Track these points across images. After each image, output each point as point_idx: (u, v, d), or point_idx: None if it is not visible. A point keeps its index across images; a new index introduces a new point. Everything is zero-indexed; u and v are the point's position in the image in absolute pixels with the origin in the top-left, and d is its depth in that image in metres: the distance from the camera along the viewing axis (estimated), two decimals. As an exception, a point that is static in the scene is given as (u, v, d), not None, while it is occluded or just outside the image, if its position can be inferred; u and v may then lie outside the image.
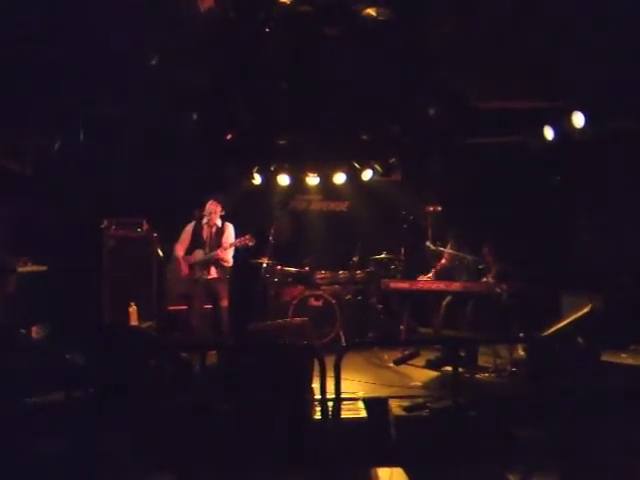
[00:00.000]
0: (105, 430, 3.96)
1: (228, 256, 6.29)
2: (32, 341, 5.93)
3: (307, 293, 7.39)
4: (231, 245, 6.24)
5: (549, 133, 6.82)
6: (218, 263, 6.27)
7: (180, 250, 6.40)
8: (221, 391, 4.49)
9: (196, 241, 6.35)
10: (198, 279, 6.26)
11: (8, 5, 4.65)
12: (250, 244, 6.23)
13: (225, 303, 6.33)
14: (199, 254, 6.28)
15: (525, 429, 4.23)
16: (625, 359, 5.87)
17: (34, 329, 6.39)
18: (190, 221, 6.54)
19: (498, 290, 5.77)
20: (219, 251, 6.20)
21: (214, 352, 5.25)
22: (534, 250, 7.20)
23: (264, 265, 7.32)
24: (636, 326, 5.91)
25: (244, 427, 4.07)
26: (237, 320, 6.47)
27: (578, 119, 6.35)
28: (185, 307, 6.66)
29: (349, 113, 6.53)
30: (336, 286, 7.69)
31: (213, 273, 6.30)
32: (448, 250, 6.49)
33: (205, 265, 6.26)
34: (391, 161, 7.86)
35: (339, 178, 8.34)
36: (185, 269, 6.31)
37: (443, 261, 6.56)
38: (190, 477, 3.95)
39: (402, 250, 7.36)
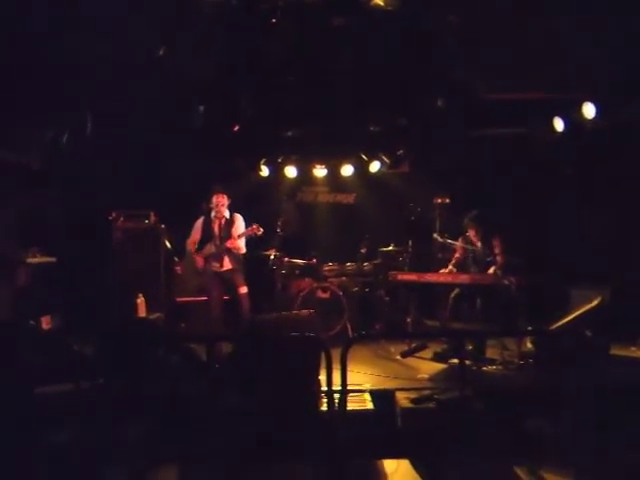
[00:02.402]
0: (112, 421, 3.99)
1: (240, 244, 6.25)
2: (41, 332, 5.97)
3: (314, 285, 7.38)
4: (240, 236, 6.22)
5: (559, 124, 6.75)
6: (231, 253, 6.25)
7: (192, 245, 6.38)
8: (227, 383, 4.51)
9: (207, 235, 6.31)
10: (212, 272, 6.25)
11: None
12: (258, 233, 6.20)
13: (244, 290, 6.25)
14: (211, 247, 6.27)
15: (533, 422, 4.22)
16: (634, 352, 5.83)
17: (44, 320, 6.44)
18: (197, 213, 6.53)
19: (506, 283, 5.73)
20: (229, 242, 6.18)
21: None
22: (543, 242, 7.15)
23: (271, 257, 7.33)
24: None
25: (250, 419, 4.08)
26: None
27: (589, 110, 6.28)
28: (202, 299, 6.66)
29: (356, 105, 6.50)
30: (343, 278, 7.68)
31: (227, 264, 6.26)
32: (457, 243, 6.44)
33: (218, 257, 6.25)
34: (399, 153, 7.84)
35: (347, 170, 8.32)
36: (199, 263, 6.30)
37: (457, 254, 6.51)
38: (194, 469, 3.97)
39: (410, 242, 7.33)
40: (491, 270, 6.09)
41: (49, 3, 4.70)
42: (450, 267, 6.42)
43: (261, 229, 6.18)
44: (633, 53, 5.39)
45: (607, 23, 5.10)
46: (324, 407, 4.24)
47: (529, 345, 5.69)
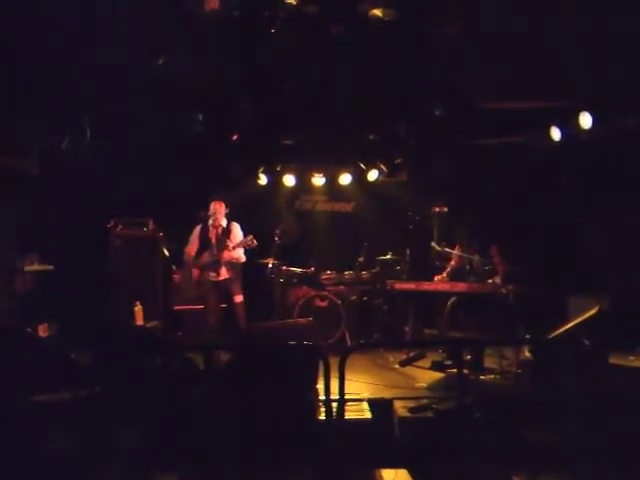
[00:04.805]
0: (109, 429, 3.97)
1: (237, 254, 6.20)
2: (38, 340, 5.95)
3: (312, 294, 7.38)
4: (234, 247, 6.17)
5: (556, 134, 6.78)
6: (228, 262, 6.23)
7: (189, 253, 6.35)
8: (225, 391, 4.49)
9: (204, 243, 6.30)
10: (209, 281, 6.23)
11: (13, 5, 4.67)
12: (252, 245, 6.15)
13: (239, 299, 6.23)
14: (207, 256, 6.24)
15: (531, 431, 4.21)
16: (632, 361, 5.83)
17: (41, 328, 6.42)
18: (196, 222, 6.52)
19: (504, 291, 5.73)
20: (225, 253, 6.15)
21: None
22: (541, 251, 7.16)
23: (270, 265, 7.33)
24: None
25: (247, 427, 4.07)
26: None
27: (585, 120, 6.31)
28: (199, 307, 6.63)
29: (354, 113, 6.53)
30: (341, 287, 7.68)
31: (224, 274, 6.21)
32: (455, 252, 6.45)
33: (214, 266, 6.22)
34: (397, 161, 7.85)
35: (345, 179, 8.34)
36: (195, 272, 6.28)
37: (452, 263, 6.52)
38: (192, 477, 3.95)
39: (408, 251, 7.34)
40: (491, 279, 6.08)
41: (49, 10, 4.72)
42: (443, 275, 6.43)
43: (255, 241, 6.11)
44: (629, 62, 5.43)
45: (604, 33, 5.14)
46: (322, 416, 4.23)
47: (527, 354, 5.68)
